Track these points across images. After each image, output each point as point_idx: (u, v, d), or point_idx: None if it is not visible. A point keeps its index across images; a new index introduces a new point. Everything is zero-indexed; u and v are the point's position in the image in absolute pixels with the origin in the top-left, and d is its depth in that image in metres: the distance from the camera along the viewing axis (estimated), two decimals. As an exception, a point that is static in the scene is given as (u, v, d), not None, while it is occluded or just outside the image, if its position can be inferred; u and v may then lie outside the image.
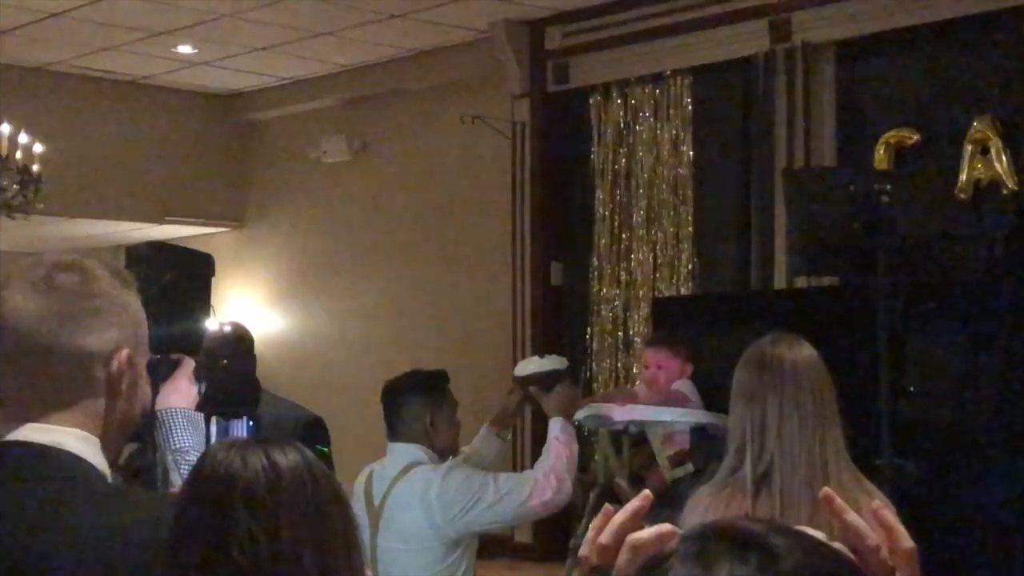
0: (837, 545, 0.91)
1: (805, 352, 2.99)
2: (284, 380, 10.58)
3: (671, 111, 8.58)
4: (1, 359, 1.80)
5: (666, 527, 0.99)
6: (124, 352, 1.81)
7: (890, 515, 1.03)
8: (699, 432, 4.95)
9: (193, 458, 2.78)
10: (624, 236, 8.81)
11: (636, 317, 8.72)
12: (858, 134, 7.72)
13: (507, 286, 9.18)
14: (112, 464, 1.88)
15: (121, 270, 1.88)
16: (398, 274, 10.19)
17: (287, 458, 1.66)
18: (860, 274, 4.66)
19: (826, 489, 1.07)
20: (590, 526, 1.04)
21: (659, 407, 5.14)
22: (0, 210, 7.89)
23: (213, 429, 2.48)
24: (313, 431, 4.16)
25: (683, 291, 8.41)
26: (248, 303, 11.07)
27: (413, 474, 3.97)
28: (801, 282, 7.43)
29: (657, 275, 8.64)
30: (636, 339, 8.65)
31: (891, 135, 7.47)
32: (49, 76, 10.07)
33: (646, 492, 1.06)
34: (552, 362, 4.17)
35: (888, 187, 4.21)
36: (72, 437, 1.78)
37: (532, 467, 4.25)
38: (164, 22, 8.98)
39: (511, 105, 9.23)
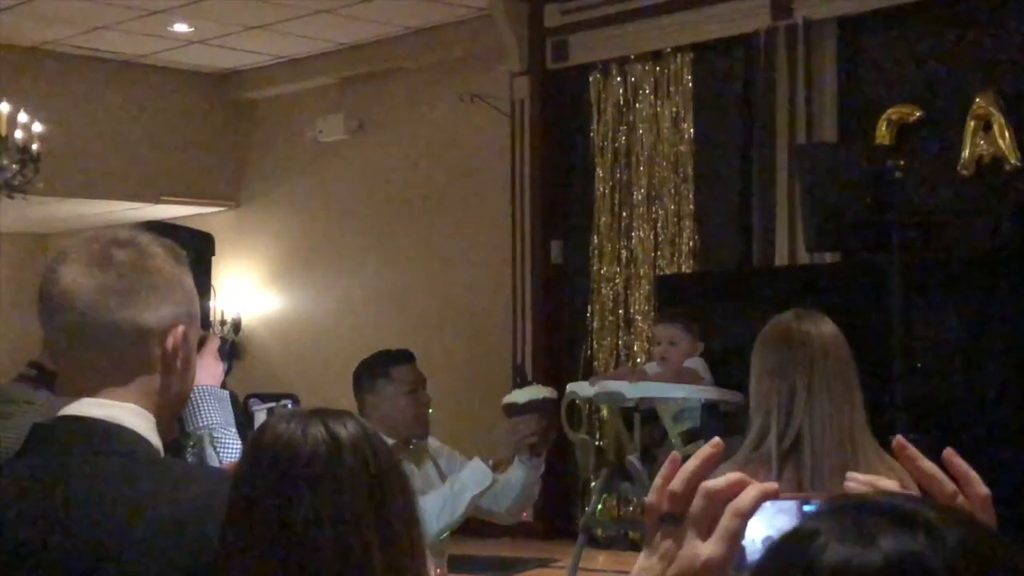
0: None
1: (830, 328, 3.02)
2: (281, 360, 10.62)
3: (671, 88, 8.59)
4: (58, 334, 1.80)
5: (737, 475, 1.01)
6: (180, 329, 1.81)
7: (962, 462, 1.03)
8: (711, 409, 4.98)
9: (220, 435, 2.79)
10: (624, 214, 8.83)
11: (637, 295, 8.74)
12: (860, 110, 7.74)
13: (507, 265, 9.19)
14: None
15: (174, 247, 1.88)
16: (396, 254, 10.20)
17: (347, 430, 1.65)
18: (870, 250, 4.68)
19: (899, 437, 1.08)
20: (659, 475, 1.04)
21: (671, 384, 5.16)
22: (0, 189, 7.86)
23: (260, 413, 2.47)
24: None
25: (684, 269, 8.44)
26: (245, 283, 11.08)
27: None
28: (803, 259, 7.47)
29: (658, 253, 8.65)
30: (637, 317, 8.69)
31: (893, 111, 7.50)
32: (45, 55, 10.05)
33: (716, 440, 1.05)
34: (517, 395, 4.13)
35: (901, 163, 4.24)
36: (128, 412, 1.78)
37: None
38: (160, 1, 8.96)
39: (510, 83, 9.23)
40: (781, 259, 7.80)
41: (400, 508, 1.66)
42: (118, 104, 10.55)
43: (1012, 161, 7.03)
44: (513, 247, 9.18)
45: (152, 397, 1.81)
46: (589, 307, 8.95)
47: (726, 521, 0.99)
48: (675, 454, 1.06)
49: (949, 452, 1.03)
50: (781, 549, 0.86)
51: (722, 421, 4.85)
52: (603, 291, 8.92)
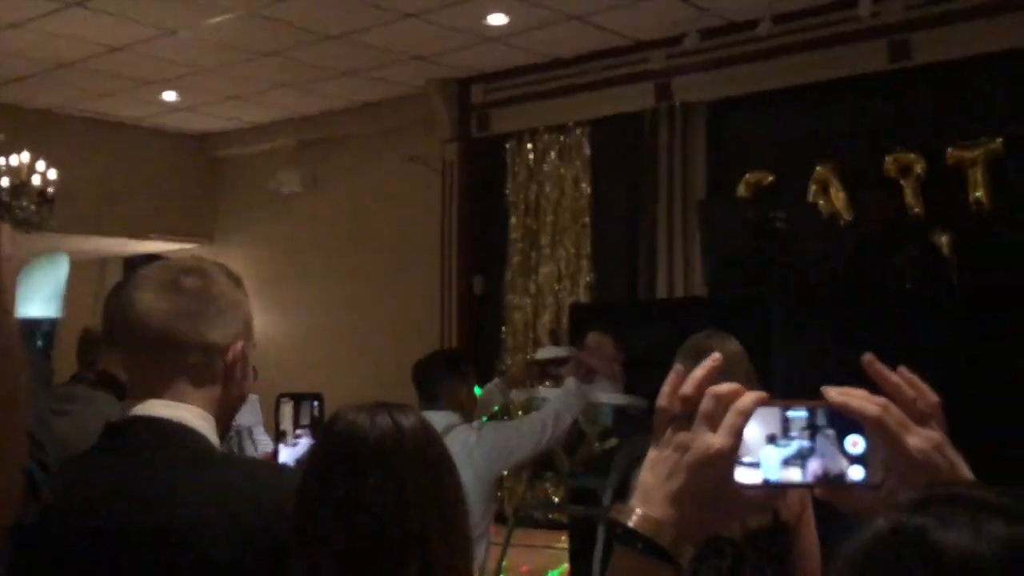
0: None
1: (734, 346, 2.94)
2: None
3: (573, 155, 8.56)
4: (134, 351, 1.66)
5: (736, 384, 0.96)
6: (240, 344, 1.69)
7: (914, 376, 0.99)
8: (620, 412, 4.87)
9: (256, 433, 2.62)
10: (533, 255, 8.76)
11: (543, 320, 8.67)
12: (725, 175, 7.76)
13: (437, 295, 9.07)
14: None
15: (232, 272, 1.75)
16: (342, 287, 9.99)
17: (408, 420, 1.57)
18: (754, 286, 4.63)
19: (868, 354, 1.00)
20: (666, 384, 0.98)
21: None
22: (20, 226, 7.52)
23: (287, 410, 2.31)
24: None
25: (581, 300, 8.37)
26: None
27: (452, 435, 3.67)
28: (679, 295, 7.45)
29: (560, 286, 8.59)
30: (544, 338, 8.59)
31: (751, 175, 7.52)
32: (59, 116, 9.71)
33: (716, 354, 0.99)
34: (562, 350, 4.19)
35: (782, 215, 4.20)
36: (193, 415, 1.64)
37: None
38: (154, 73, 8.68)
39: (442, 148, 9.12)
40: (661, 295, 7.77)
41: (452, 489, 1.58)
42: (116, 157, 10.22)
43: (846, 217, 7.08)
44: (442, 281, 9.05)
45: (215, 404, 1.67)
46: (504, 328, 8.85)
47: (731, 418, 0.95)
48: (679, 367, 0.99)
49: (902, 369, 0.98)
50: (891, 540, 0.77)
51: (630, 422, 4.74)
52: (515, 316, 8.83)
